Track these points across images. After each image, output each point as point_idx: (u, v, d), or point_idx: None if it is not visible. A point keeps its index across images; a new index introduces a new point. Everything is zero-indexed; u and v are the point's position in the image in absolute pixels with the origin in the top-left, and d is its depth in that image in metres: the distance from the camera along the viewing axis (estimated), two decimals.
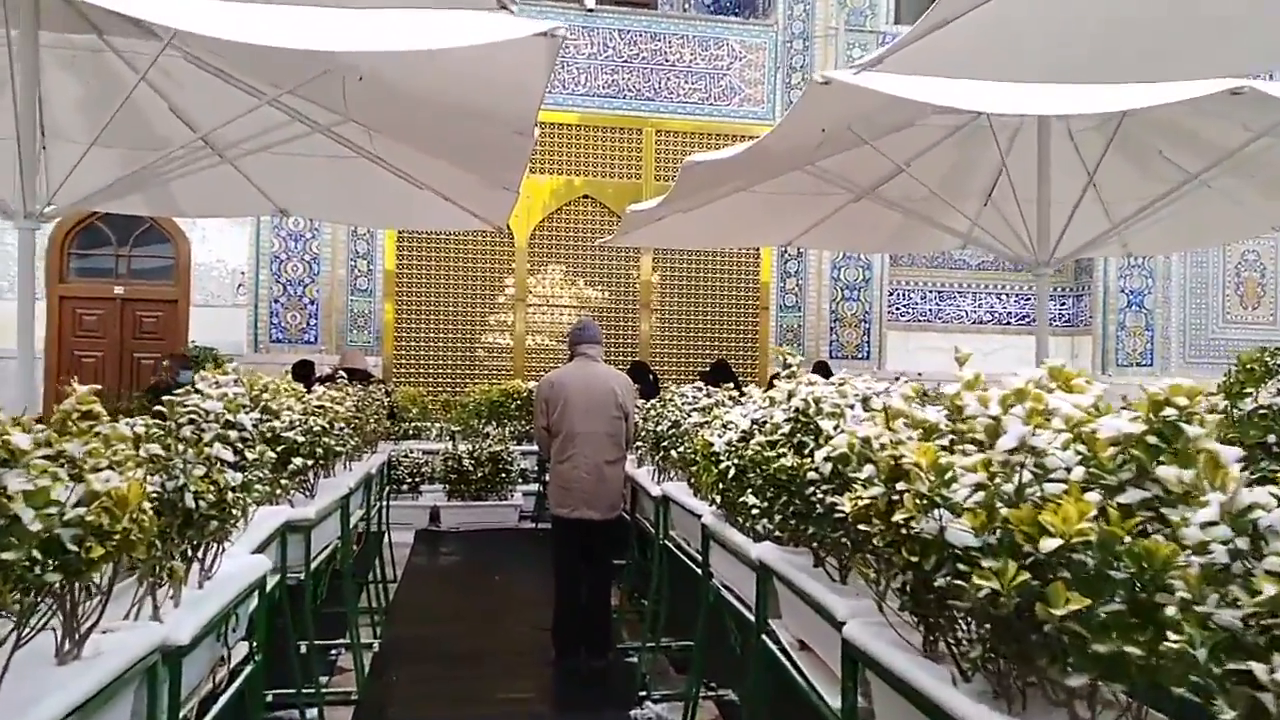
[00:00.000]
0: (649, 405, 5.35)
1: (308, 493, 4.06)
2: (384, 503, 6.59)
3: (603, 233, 10.91)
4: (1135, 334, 11.83)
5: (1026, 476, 1.48)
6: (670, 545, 4.48)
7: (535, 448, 9.85)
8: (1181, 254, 11.87)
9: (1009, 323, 12.03)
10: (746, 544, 3.00)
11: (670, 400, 4.63)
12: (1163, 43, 4.02)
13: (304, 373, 7.28)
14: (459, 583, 7.13)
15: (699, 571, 3.86)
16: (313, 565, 3.97)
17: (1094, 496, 1.38)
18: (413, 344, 10.81)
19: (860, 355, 11.16)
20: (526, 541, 8.51)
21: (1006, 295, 12.05)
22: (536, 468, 9.82)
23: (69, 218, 10.32)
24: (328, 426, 3.93)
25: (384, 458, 6.25)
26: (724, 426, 3.33)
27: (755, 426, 2.89)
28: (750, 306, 11.45)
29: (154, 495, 2.02)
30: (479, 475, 8.94)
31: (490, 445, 8.98)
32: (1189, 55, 4.23)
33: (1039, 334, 6.62)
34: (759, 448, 2.66)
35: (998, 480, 1.46)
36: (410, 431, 9.71)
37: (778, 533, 2.88)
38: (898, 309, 11.72)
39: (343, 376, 5.08)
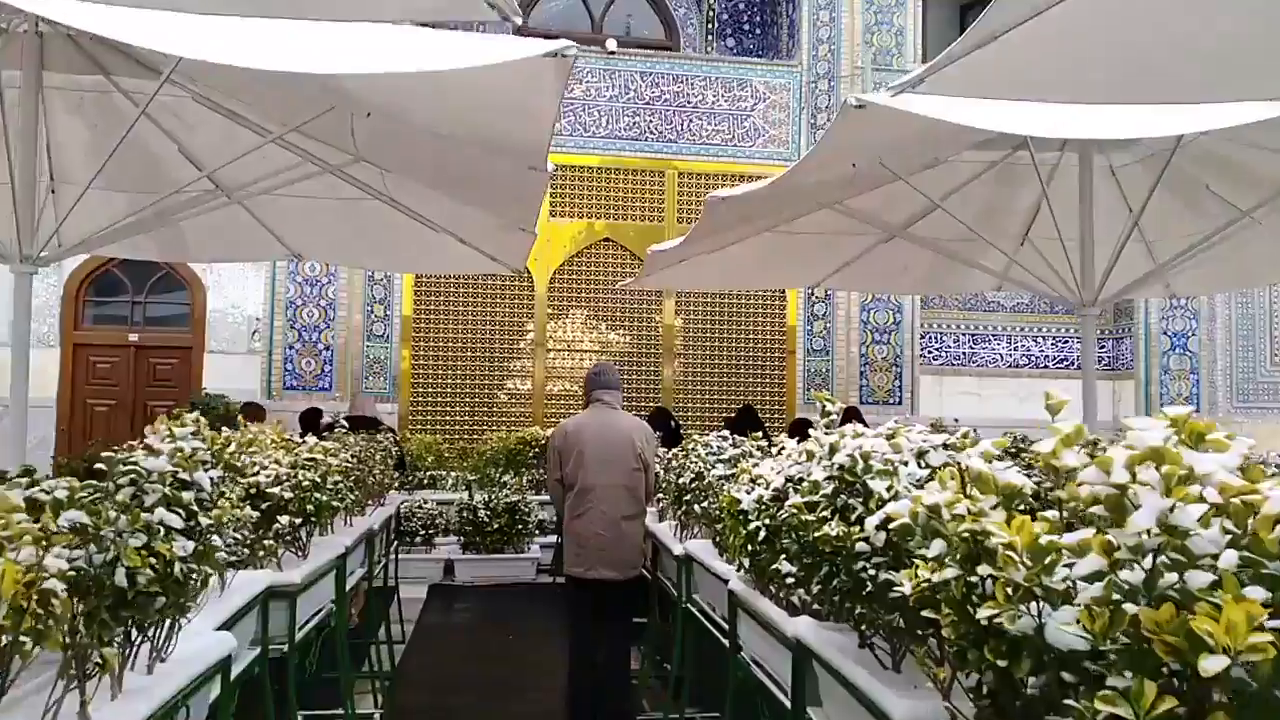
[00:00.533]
0: (670, 455, 5.00)
1: (299, 552, 3.73)
2: (392, 557, 6.24)
3: (624, 276, 10.65)
4: (1180, 378, 11.33)
5: (1153, 561, 1.13)
6: (693, 609, 4.11)
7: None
8: (1226, 294, 11.41)
9: (1046, 366, 11.59)
10: (781, 618, 2.64)
11: (693, 450, 4.28)
12: (1237, 63, 3.69)
13: (312, 420, 7.01)
14: (471, 644, 6.74)
15: (722, 638, 3.49)
16: (306, 631, 3.64)
17: (1256, 593, 1.03)
18: (429, 391, 10.54)
19: (892, 400, 10.75)
20: (543, 597, 8.11)
21: (1044, 338, 11.62)
22: (555, 519, 9.45)
23: (84, 265, 10.21)
24: (319, 480, 3.61)
25: (392, 510, 5.93)
26: (752, 482, 2.98)
27: (790, 484, 2.53)
28: (777, 351, 11.10)
29: (76, 571, 1.70)
30: (495, 527, 8.59)
31: (507, 495, 8.65)
32: (1256, 75, 3.90)
33: (1085, 378, 6.25)
34: (795, 509, 2.30)
35: (1121, 569, 1.10)
36: (425, 481, 9.39)
37: (815, 604, 2.52)
38: (930, 352, 11.32)
39: (343, 426, 4.78)
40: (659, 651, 5.69)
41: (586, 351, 10.81)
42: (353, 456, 4.68)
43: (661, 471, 4.99)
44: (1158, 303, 11.19)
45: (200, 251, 7.72)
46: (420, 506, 8.59)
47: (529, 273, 10.73)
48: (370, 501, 5.33)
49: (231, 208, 6.66)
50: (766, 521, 2.71)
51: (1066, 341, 11.63)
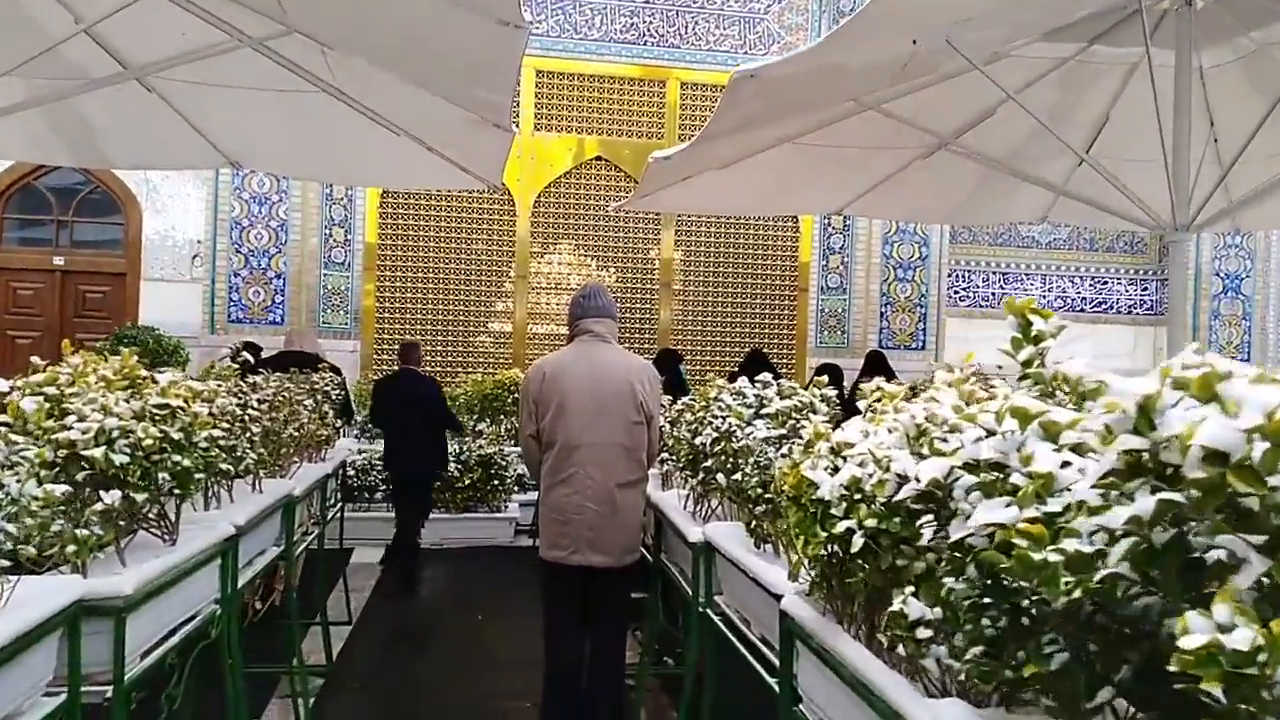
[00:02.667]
0: (680, 406, 3.85)
1: (167, 536, 2.60)
2: (329, 520, 5.12)
3: (617, 199, 9.42)
4: (1231, 323, 10.25)
5: None
6: (714, 616, 3.01)
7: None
8: None
9: (1083, 309, 10.47)
10: (901, 694, 1.52)
11: (716, 398, 3.15)
12: None
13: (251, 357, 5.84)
14: (431, 626, 5.66)
15: (767, 676, 2.39)
16: (170, 648, 2.52)
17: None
18: (397, 328, 9.35)
19: (914, 345, 9.64)
20: (522, 564, 7.03)
21: (1081, 278, 10.48)
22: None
23: (0, 179, 8.92)
24: (181, 438, 2.46)
25: (332, 465, 4.79)
26: (836, 455, 1.84)
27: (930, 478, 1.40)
28: (787, 289, 9.93)
29: None
30: (467, 482, 7.48)
31: (481, 447, 7.53)
32: None
33: (1171, 320, 5.12)
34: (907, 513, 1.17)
35: None
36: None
37: (963, 670, 1.40)
38: (956, 292, 10.19)
39: (245, 358, 3.61)
40: (661, 644, 4.62)
41: (571, 289, 9.61)
42: (261, 402, 3.52)
43: (667, 426, 3.85)
44: (1210, 240, 10.06)
45: (119, 155, 6.52)
46: (380, 458, 7.45)
47: (509, 195, 9.49)
48: (297, 457, 4.20)
49: (152, 104, 5.50)
50: (873, 524, 1.59)
51: (1106, 282, 10.50)
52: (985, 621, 1.11)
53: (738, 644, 2.66)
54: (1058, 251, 10.44)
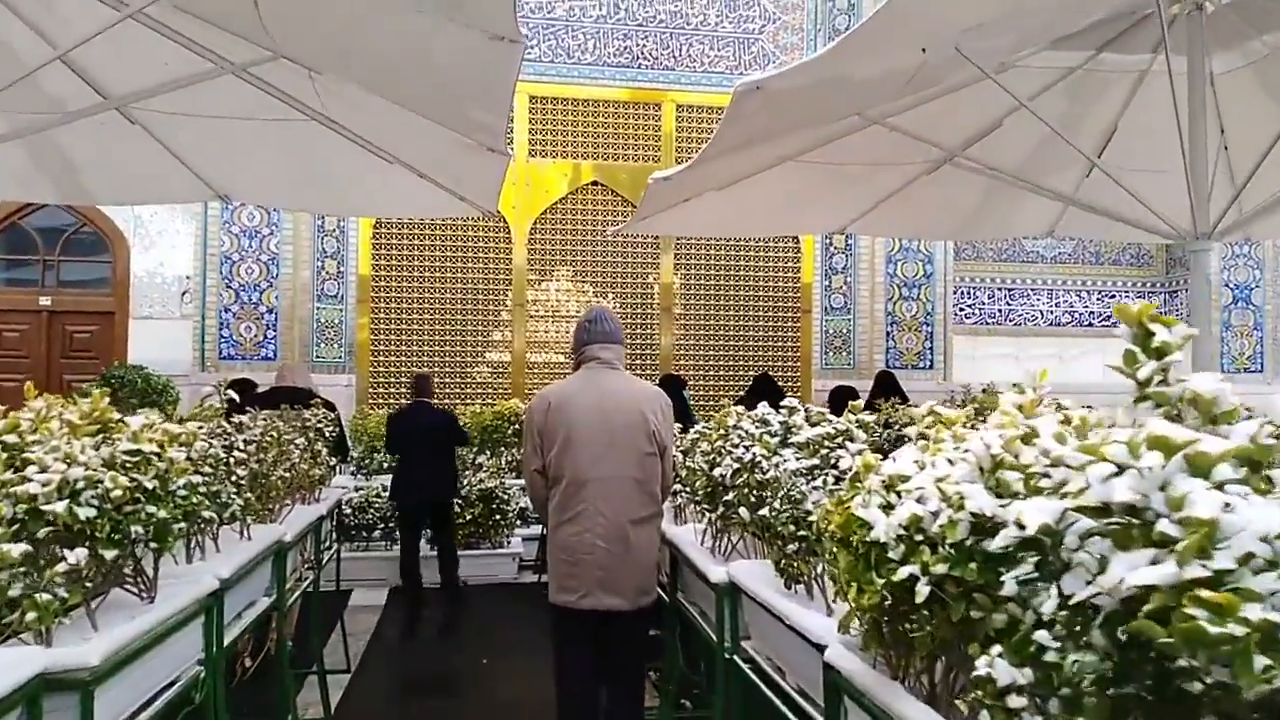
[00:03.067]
0: (692, 434, 3.64)
1: (145, 593, 2.38)
2: (325, 564, 4.89)
3: (614, 224, 9.25)
4: (1242, 334, 10.07)
5: None
6: (742, 663, 2.78)
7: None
8: None
9: (1090, 324, 10.28)
10: None
11: (736, 426, 2.93)
12: None
13: (243, 394, 5.62)
14: (434, 670, 5.39)
15: None
16: (150, 716, 2.29)
17: None
18: (392, 360, 9.14)
19: (922, 364, 9.44)
20: (527, 600, 6.79)
21: (1088, 292, 10.31)
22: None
23: None
24: (158, 488, 2.24)
25: (325, 506, 4.56)
26: (889, 490, 1.63)
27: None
28: (790, 310, 9.74)
29: None
30: (468, 518, 7.24)
31: (482, 481, 7.29)
32: None
33: (1199, 332, 4.87)
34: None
35: None
36: (387, 464, 8.01)
37: None
38: (962, 310, 10.00)
39: (230, 396, 3.39)
40: (680, 687, 4.37)
41: (570, 317, 9.42)
42: (249, 442, 3.30)
43: (680, 456, 3.63)
44: (1219, 250, 9.89)
45: (103, 191, 6.35)
46: (379, 495, 7.22)
47: (505, 222, 9.32)
48: (288, 499, 3.97)
49: (135, 136, 5.33)
50: (942, 570, 1.38)
51: (1114, 296, 10.32)
52: (1123, 702, 0.90)
53: (773, 697, 2.42)
54: (1063, 266, 10.28)
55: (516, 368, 9.36)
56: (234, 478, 3.12)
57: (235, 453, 3.20)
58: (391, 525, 7.23)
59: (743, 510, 2.81)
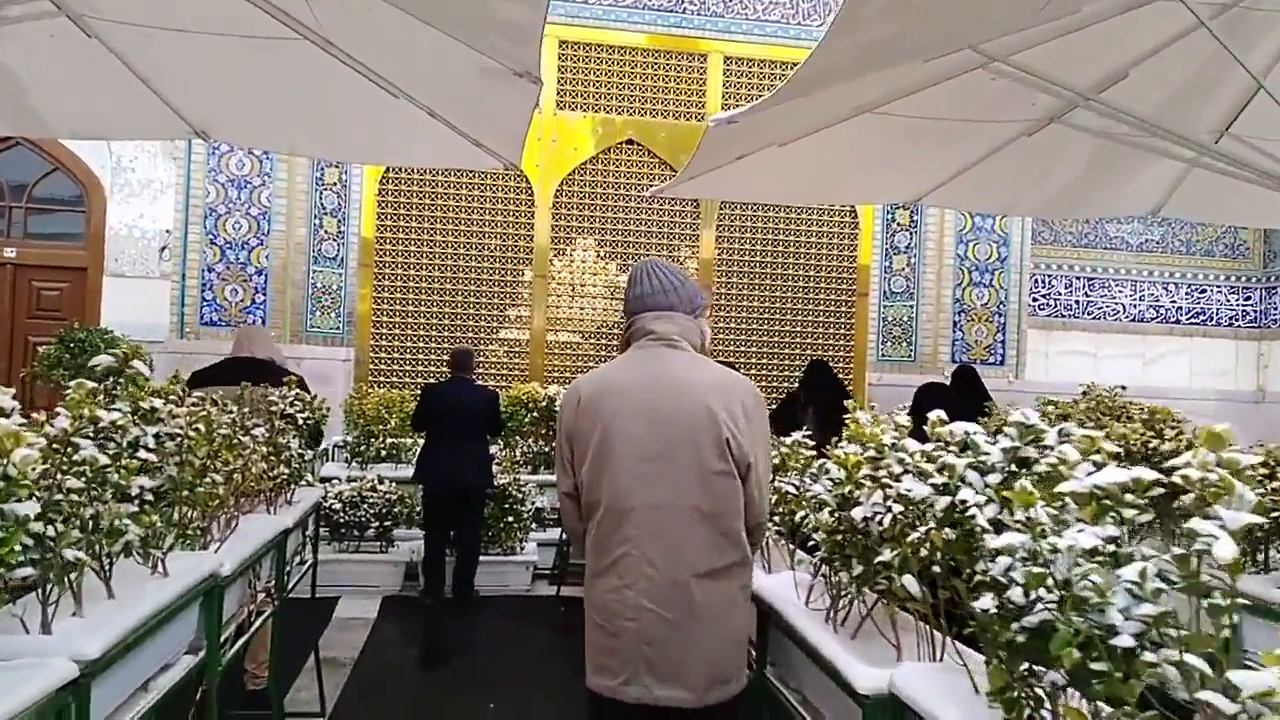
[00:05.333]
0: (830, 452, 2.55)
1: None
2: (289, 590, 3.89)
3: (650, 187, 8.20)
4: None
5: None
6: None
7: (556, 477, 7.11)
8: None
9: (1178, 320, 9.17)
10: None
11: (894, 447, 1.89)
12: None
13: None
14: (429, 716, 4.38)
15: None
16: None
17: None
18: (396, 333, 8.12)
19: (992, 360, 8.37)
20: (543, 619, 5.79)
21: (1175, 285, 9.19)
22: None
23: None
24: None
25: (295, 515, 3.54)
26: None
27: None
28: (844, 294, 8.66)
29: None
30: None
31: (495, 476, 6.27)
32: None
33: None
34: None
35: None
36: (384, 452, 7.01)
37: None
38: (1035, 299, 8.90)
39: (133, 368, 2.36)
40: None
41: (594, 296, 8.38)
42: (166, 438, 2.29)
43: (773, 476, 2.58)
44: None
45: (57, 121, 5.38)
46: (373, 489, 6.22)
47: (528, 182, 8.27)
48: (236, 508, 2.96)
49: (93, 54, 4.40)
50: None
51: (1204, 291, 9.20)
52: None
53: None
54: (1150, 255, 9.16)
55: (535, 347, 8.33)
56: (133, 491, 2.11)
57: (141, 453, 2.18)
58: (388, 524, 6.22)
59: (908, 581, 1.78)
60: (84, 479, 1.89)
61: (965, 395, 6.16)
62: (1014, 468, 1.58)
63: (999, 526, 1.56)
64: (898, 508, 1.83)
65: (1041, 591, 1.35)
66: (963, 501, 1.54)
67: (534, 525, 6.58)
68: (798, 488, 2.52)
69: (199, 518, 2.58)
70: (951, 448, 1.71)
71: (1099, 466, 1.41)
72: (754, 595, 2.46)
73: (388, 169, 8.00)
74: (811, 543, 2.29)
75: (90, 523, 1.93)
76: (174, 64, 4.40)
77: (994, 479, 1.59)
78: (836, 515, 2.11)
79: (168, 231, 7.82)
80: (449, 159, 5.91)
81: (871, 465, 1.96)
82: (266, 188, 7.49)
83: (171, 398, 2.46)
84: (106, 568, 2.06)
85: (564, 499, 2.40)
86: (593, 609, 2.30)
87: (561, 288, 8.39)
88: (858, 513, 1.96)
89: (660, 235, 8.48)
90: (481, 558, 6.04)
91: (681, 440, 2.19)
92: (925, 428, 1.96)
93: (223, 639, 2.61)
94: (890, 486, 1.86)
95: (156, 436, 2.28)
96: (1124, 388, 6.30)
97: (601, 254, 8.43)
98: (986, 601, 1.45)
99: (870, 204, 8.24)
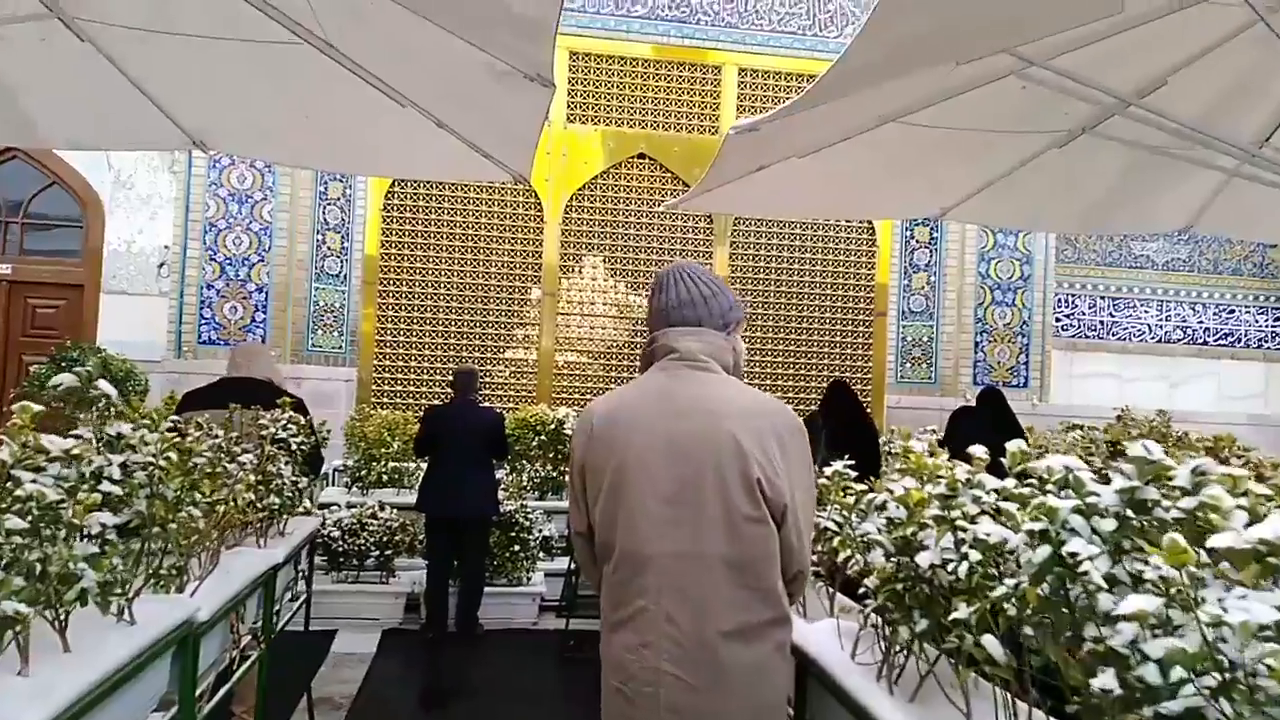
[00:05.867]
0: (878, 485, 2.24)
1: None
2: (280, 627, 3.62)
3: (663, 202, 7.98)
4: None
5: None
6: None
7: (567, 503, 6.84)
8: None
9: (1205, 342, 8.89)
10: None
11: (969, 483, 1.62)
12: None
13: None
14: None
15: None
16: None
17: None
18: (400, 353, 7.88)
19: (1015, 382, 8.09)
20: (551, 655, 5.50)
21: (1203, 306, 8.91)
22: (565, 534, 6.81)
23: None
24: None
25: (285, 549, 3.28)
26: None
27: None
28: (861, 314, 8.41)
29: None
30: None
31: (500, 502, 6.00)
32: None
33: None
34: None
35: None
36: (386, 477, 6.75)
37: None
38: (1059, 319, 8.63)
39: (97, 388, 2.10)
40: None
41: (607, 316, 8.13)
42: (138, 469, 2.03)
43: (839, 524, 2.29)
44: None
45: (53, 130, 5.23)
46: (374, 516, 5.95)
47: (537, 198, 8.05)
48: (233, 535, 2.71)
49: (87, 60, 4.21)
50: None
51: (1233, 311, 8.92)
52: None
53: None
54: (1176, 274, 8.89)
55: (543, 368, 8.08)
56: (94, 529, 1.85)
57: (105, 485, 1.93)
58: (389, 553, 5.95)
59: (989, 643, 1.51)
60: (30, 518, 1.63)
61: (1001, 421, 5.87)
62: (1129, 512, 1.32)
63: (1111, 583, 1.30)
64: (974, 555, 1.56)
65: (1180, 670, 1.08)
66: (1072, 554, 1.28)
67: (541, 555, 6.30)
68: (840, 524, 2.25)
69: (175, 556, 2.32)
70: (1049, 486, 1.44)
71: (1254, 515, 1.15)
72: (807, 660, 2.18)
73: (393, 183, 7.80)
74: (862, 590, 2.02)
75: (37, 567, 1.67)
76: (170, 70, 4.22)
77: (1105, 525, 1.32)
78: (895, 560, 1.84)
79: (166, 247, 7.61)
80: (457, 171, 5.71)
81: (941, 503, 1.69)
82: (268, 202, 7.28)
83: (145, 421, 2.21)
84: (62, 618, 1.81)
85: (577, 538, 2.12)
86: (609, 668, 2.01)
87: (571, 306, 8.15)
88: (923, 559, 1.69)
89: (673, 252, 8.24)
90: (486, 589, 5.77)
91: (705, 479, 1.89)
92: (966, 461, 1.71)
93: (200, 691, 2.34)
94: (965, 529, 1.59)
95: (124, 466, 2.02)
96: (1163, 411, 6.06)
97: (612, 271, 8.20)
98: (1107, 680, 1.18)
99: (893, 218, 8.00)
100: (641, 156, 8.18)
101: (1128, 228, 6.95)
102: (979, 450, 1.75)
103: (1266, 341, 8.92)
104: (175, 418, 2.20)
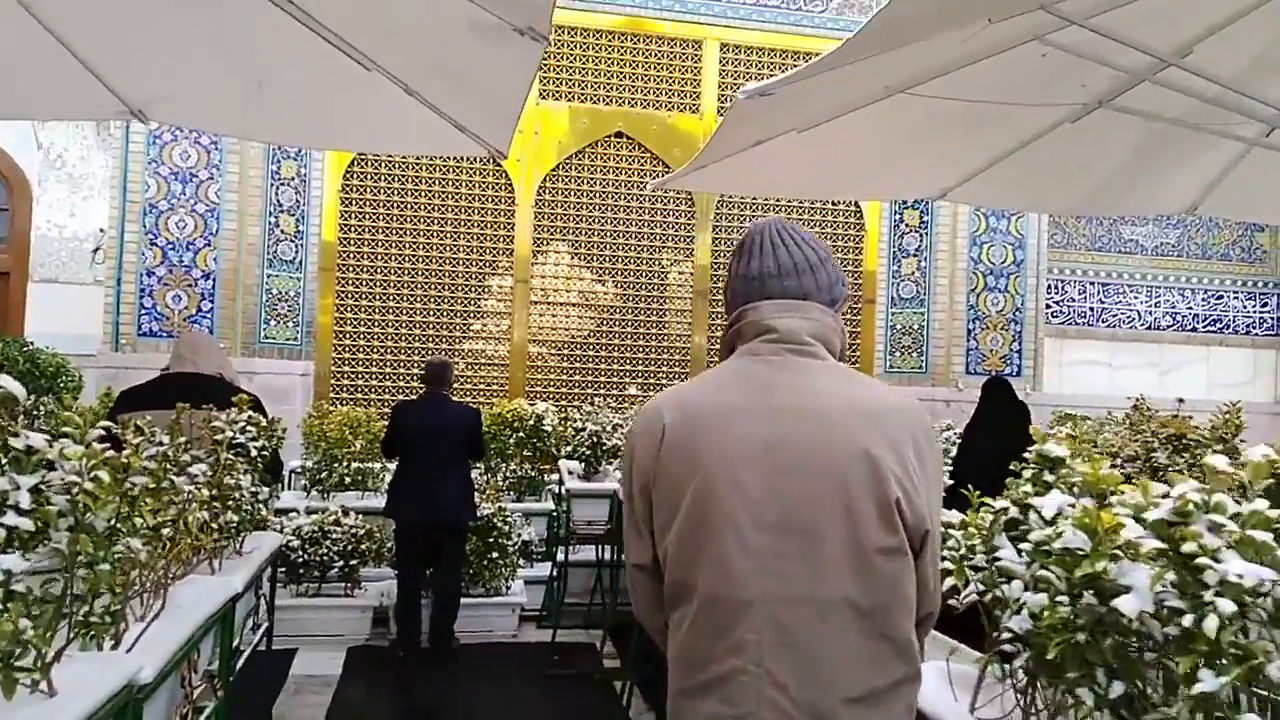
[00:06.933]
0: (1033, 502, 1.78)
1: None
2: (239, 664, 3.11)
3: (643, 185, 7.53)
4: None
5: None
6: None
7: (548, 506, 6.37)
8: None
9: (1194, 329, 8.69)
10: None
11: (1213, 505, 1.23)
12: None
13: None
14: None
15: None
16: None
17: None
18: (361, 345, 7.33)
19: (1008, 371, 7.79)
20: (533, 670, 5.03)
21: (1192, 291, 8.71)
22: (546, 538, 6.34)
23: None
24: None
25: (245, 575, 2.77)
26: None
27: None
28: (849, 301, 8.03)
29: None
30: None
31: (477, 506, 5.51)
32: None
33: None
34: None
35: None
36: (349, 479, 6.21)
37: None
38: (1048, 307, 8.36)
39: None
40: None
41: (574, 304, 7.66)
42: (52, 491, 1.54)
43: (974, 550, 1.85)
44: None
45: None
46: (336, 523, 5.42)
47: (508, 178, 7.55)
48: (181, 565, 2.20)
49: (7, 17, 3.67)
50: None
51: (1221, 297, 8.73)
52: None
53: None
54: (1165, 259, 8.67)
55: (516, 360, 7.58)
56: None
57: (10, 517, 1.42)
58: (354, 563, 5.42)
59: None
60: None
61: (1004, 410, 5.53)
62: None
63: None
64: (1226, 604, 1.14)
65: None
66: None
67: (521, 561, 5.82)
68: (955, 548, 1.83)
69: (109, 596, 1.82)
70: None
71: None
72: None
73: (353, 162, 7.23)
74: (1006, 635, 1.59)
75: None
76: (104, 28, 3.70)
77: None
78: (1072, 602, 1.41)
79: (102, 231, 6.96)
80: (426, 145, 5.22)
81: (1158, 532, 1.26)
82: (215, 182, 6.66)
83: (68, 429, 1.70)
84: None
85: (637, 573, 1.62)
86: None
87: (543, 294, 7.65)
88: (1126, 604, 1.27)
89: (653, 236, 7.79)
90: (463, 600, 5.28)
91: (823, 498, 1.43)
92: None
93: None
94: (1209, 568, 1.17)
95: (36, 490, 1.52)
96: (1182, 400, 5.79)
97: (587, 259, 7.72)
98: None
99: (892, 199, 7.64)
100: (618, 135, 7.71)
101: (1131, 209, 6.68)
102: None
103: (1254, 328, 8.75)
104: (107, 423, 1.70)
